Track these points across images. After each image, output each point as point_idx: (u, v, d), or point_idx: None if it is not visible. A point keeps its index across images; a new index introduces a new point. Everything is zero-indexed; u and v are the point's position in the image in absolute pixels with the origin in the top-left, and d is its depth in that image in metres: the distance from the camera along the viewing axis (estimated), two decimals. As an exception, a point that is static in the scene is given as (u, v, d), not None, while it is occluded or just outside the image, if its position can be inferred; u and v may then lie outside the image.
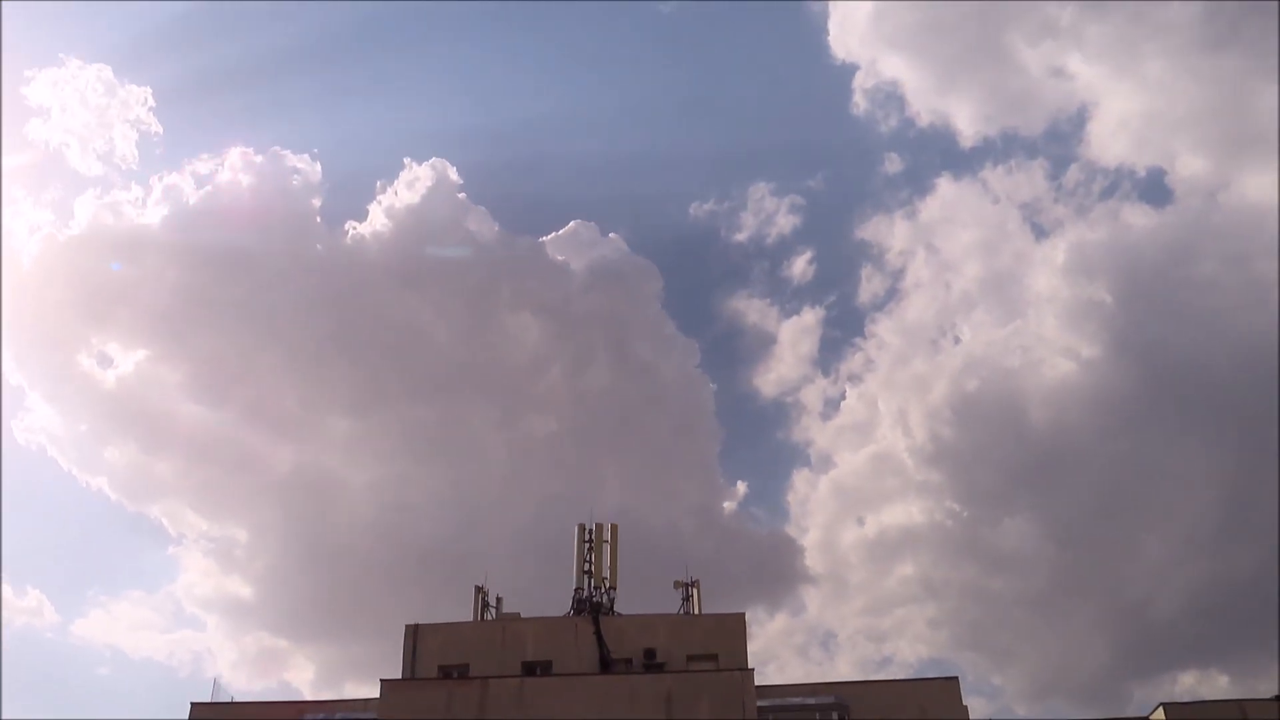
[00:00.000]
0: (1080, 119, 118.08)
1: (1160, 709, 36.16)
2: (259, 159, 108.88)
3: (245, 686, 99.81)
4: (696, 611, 41.03)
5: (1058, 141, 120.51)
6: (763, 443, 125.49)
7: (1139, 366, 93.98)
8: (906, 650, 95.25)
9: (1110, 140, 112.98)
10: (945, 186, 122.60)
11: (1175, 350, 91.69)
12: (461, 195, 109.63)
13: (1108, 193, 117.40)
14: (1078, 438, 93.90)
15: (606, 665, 36.42)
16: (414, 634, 38.23)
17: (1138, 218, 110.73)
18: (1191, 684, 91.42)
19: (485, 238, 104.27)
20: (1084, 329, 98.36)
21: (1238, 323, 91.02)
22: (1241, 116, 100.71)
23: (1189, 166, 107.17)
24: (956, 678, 36.20)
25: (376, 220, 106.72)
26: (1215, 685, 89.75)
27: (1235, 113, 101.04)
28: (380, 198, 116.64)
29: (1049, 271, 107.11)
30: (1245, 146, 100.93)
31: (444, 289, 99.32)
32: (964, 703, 35.60)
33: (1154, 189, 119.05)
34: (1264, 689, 45.59)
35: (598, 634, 37.31)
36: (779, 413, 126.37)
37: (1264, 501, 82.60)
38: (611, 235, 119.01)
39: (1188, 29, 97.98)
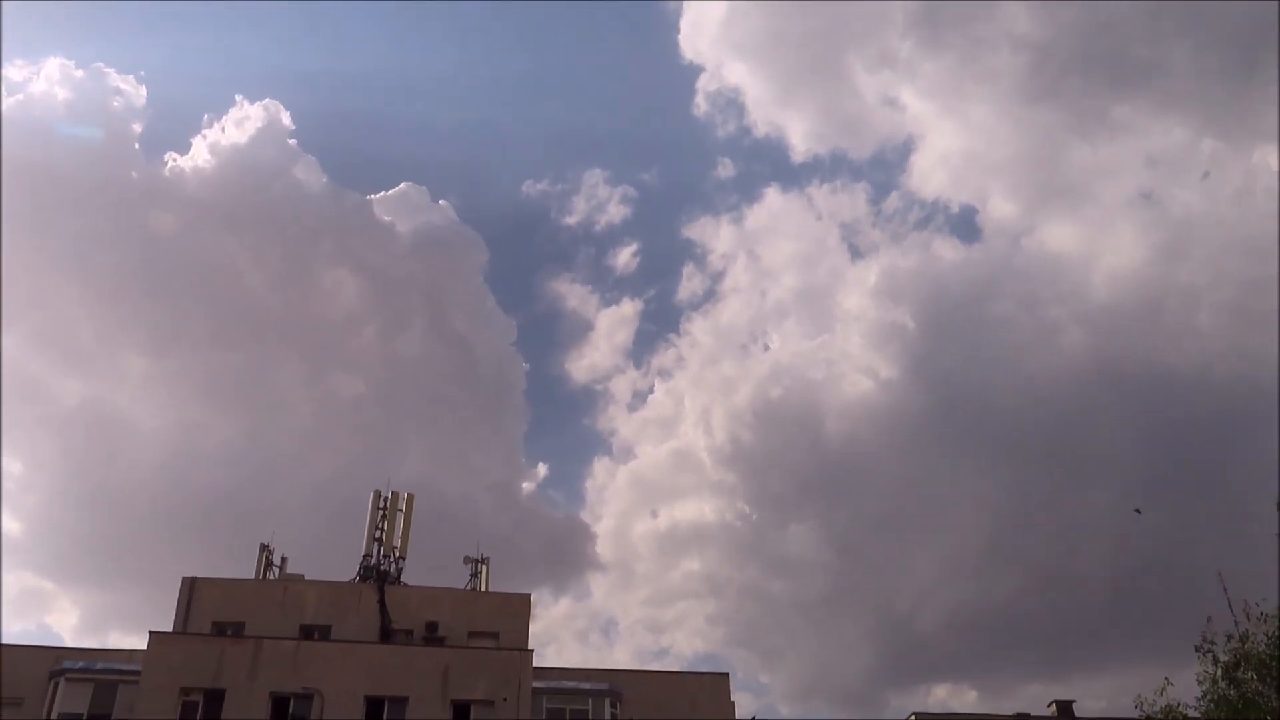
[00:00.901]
0: (906, 150, 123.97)
1: (912, 717, 38.51)
2: (80, 74, 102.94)
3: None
4: (484, 588, 41.14)
5: (882, 168, 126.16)
6: (568, 427, 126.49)
7: (931, 392, 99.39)
8: (684, 643, 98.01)
9: (931, 174, 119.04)
10: (773, 197, 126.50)
11: (965, 380, 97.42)
12: (292, 141, 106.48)
13: (922, 223, 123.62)
14: (868, 454, 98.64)
15: (387, 635, 36.15)
16: (190, 587, 36.90)
17: (947, 251, 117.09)
18: (943, 696, 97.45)
19: (312, 188, 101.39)
20: (885, 350, 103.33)
21: (1025, 362, 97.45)
22: (1052, 168, 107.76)
23: (999, 209, 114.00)
24: (728, 674, 37.59)
25: (199, 155, 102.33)
26: (964, 699, 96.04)
27: (1046, 164, 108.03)
28: (206, 132, 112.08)
29: (860, 291, 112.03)
30: (1052, 197, 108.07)
31: (262, 235, 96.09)
32: (732, 698, 37.04)
33: (965, 226, 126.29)
34: (1007, 706, 49.15)
35: (381, 603, 36.99)
36: (587, 399, 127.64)
37: (1024, 532, 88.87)
38: (442, 202, 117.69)
39: (1013, 79, 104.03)
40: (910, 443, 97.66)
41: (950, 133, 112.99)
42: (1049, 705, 42.27)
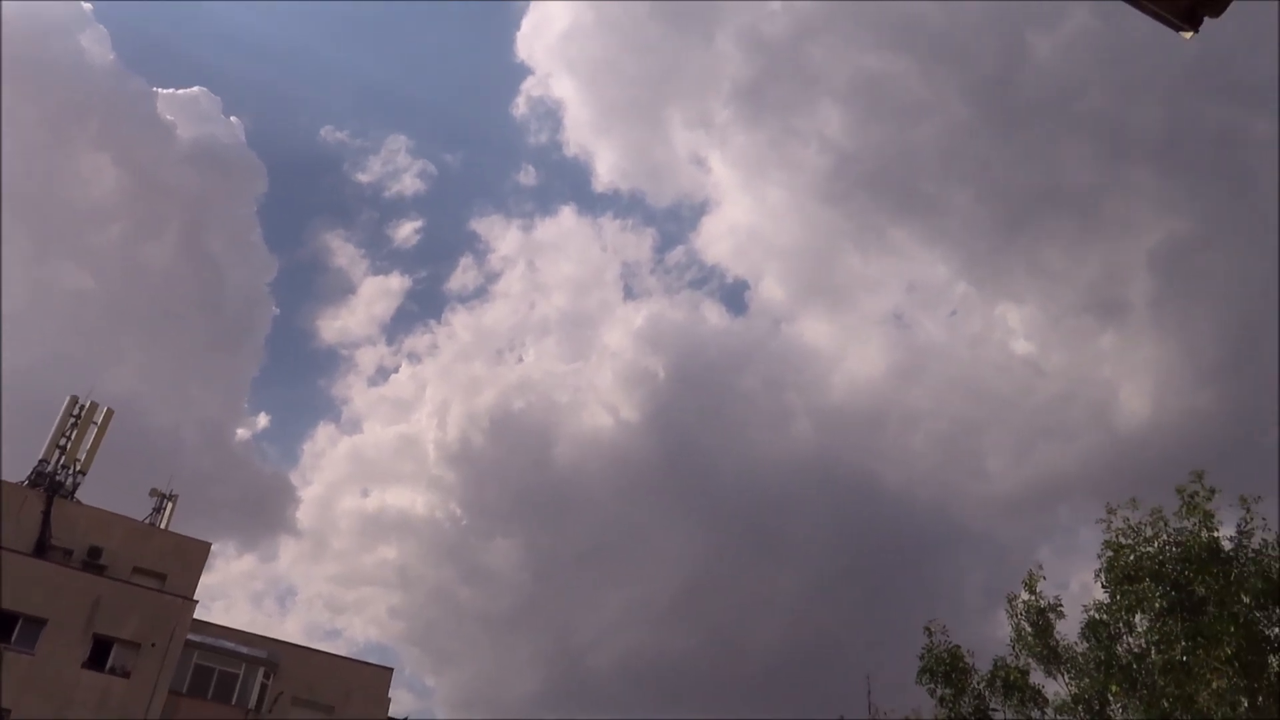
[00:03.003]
0: (701, 210, 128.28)
1: (558, 749, 39.11)
2: None
3: None
4: (164, 526, 38.85)
5: (675, 221, 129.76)
6: (301, 384, 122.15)
7: (662, 443, 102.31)
8: (359, 629, 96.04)
9: (717, 240, 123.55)
10: (566, 217, 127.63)
11: (696, 441, 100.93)
12: (88, 5, 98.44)
13: (697, 284, 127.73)
14: (588, 487, 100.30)
15: (42, 549, 33.48)
16: None
17: (713, 316, 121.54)
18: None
19: (96, 62, 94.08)
20: (632, 393, 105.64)
21: (755, 438, 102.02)
22: (825, 268, 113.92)
23: (770, 291, 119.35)
24: (392, 669, 37.07)
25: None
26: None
27: (821, 262, 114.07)
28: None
29: (623, 331, 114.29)
30: (818, 294, 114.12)
31: (23, 93, 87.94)
32: (390, 694, 36.55)
33: (735, 298, 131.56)
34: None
35: (46, 514, 34.27)
36: (329, 361, 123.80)
37: (712, 596, 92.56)
38: (233, 119, 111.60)
39: (813, 175, 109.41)
40: (630, 486, 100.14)
41: (744, 207, 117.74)
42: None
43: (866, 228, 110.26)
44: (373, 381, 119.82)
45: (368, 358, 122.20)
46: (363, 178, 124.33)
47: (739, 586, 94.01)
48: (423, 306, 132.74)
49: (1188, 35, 4.59)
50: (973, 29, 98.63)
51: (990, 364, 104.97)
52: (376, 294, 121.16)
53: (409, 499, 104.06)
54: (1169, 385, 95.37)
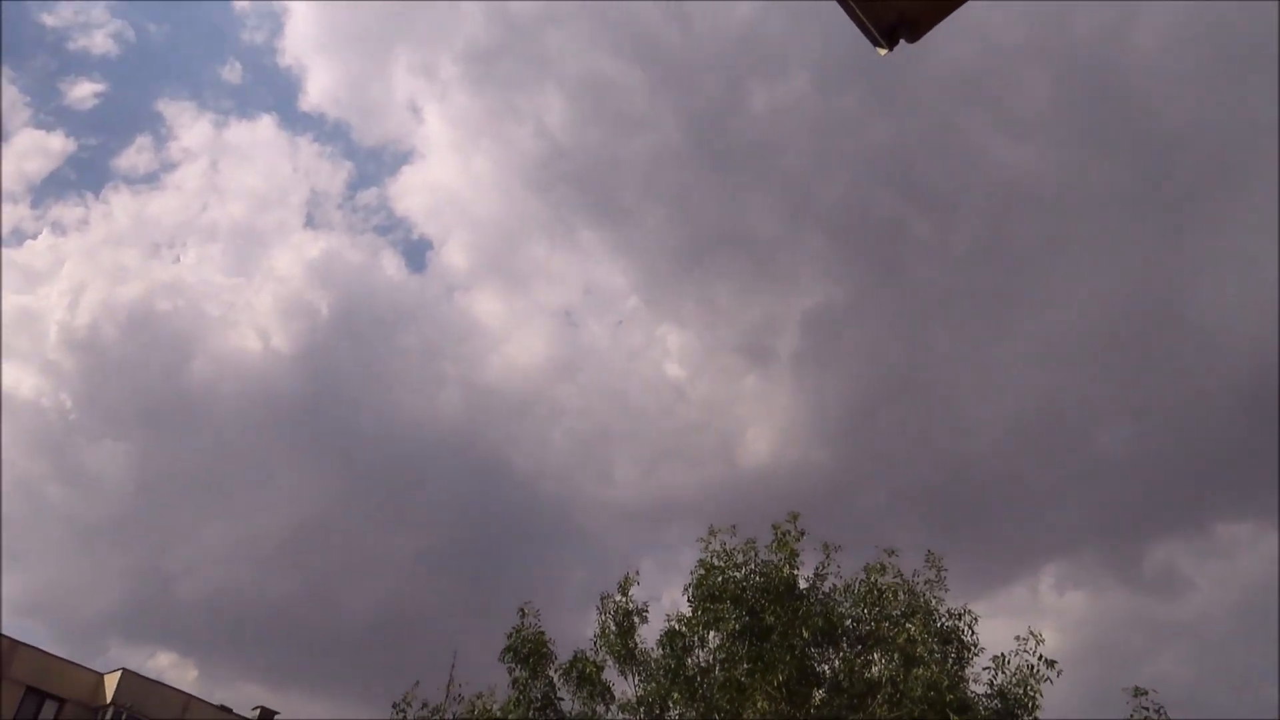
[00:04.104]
0: (404, 159, 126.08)
1: (120, 671, 36.88)
2: None
3: None
4: None
5: (375, 162, 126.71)
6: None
7: (305, 381, 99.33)
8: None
9: (413, 192, 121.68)
10: (265, 125, 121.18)
11: (341, 386, 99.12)
12: None
13: (383, 231, 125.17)
14: (218, 406, 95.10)
15: None
16: None
17: (390, 267, 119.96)
18: (167, 664, 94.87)
19: None
20: (289, 323, 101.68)
21: (401, 396, 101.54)
22: (512, 249, 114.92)
23: (452, 256, 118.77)
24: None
25: None
26: (185, 674, 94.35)
27: (509, 243, 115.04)
28: None
29: (295, 259, 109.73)
30: (498, 272, 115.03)
31: None
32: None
33: (416, 255, 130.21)
34: (219, 696, 49.01)
35: None
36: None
37: (322, 546, 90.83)
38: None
39: (523, 158, 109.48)
40: (263, 418, 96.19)
41: (448, 168, 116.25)
42: (254, 709, 42.74)
43: (561, 221, 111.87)
44: (5, 243, 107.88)
45: (5, 216, 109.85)
46: (48, 20, 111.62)
47: (353, 541, 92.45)
48: (82, 176, 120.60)
49: (883, 53, 4.82)
50: (704, 62, 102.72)
51: (641, 379, 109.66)
52: (32, 149, 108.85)
53: (15, 378, 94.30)
54: (790, 435, 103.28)
